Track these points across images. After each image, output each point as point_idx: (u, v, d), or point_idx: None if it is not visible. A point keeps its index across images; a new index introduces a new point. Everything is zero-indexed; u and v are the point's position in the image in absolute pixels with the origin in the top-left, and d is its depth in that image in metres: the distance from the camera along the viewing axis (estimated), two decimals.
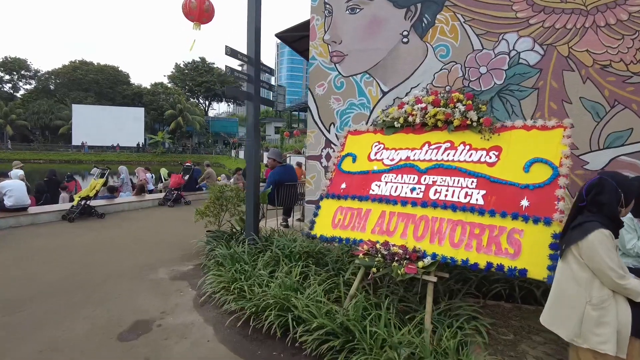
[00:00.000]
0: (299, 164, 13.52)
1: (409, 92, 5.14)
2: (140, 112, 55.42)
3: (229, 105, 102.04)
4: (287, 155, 20.00)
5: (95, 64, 59.67)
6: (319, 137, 5.51)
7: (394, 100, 5.20)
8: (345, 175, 4.24)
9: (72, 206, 7.88)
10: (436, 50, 5.05)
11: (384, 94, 5.27)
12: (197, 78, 67.83)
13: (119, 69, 61.98)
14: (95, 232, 6.93)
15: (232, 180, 13.98)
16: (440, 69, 5.05)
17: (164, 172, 13.75)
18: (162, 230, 7.23)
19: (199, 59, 70.59)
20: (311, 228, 4.14)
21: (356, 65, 5.36)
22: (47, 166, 40.57)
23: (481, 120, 3.66)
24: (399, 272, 3.22)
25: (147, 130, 58.15)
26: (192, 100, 67.00)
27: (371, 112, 5.28)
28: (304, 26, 5.87)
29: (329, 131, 5.49)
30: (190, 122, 57.66)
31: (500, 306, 3.82)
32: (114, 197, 9.64)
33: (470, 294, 3.79)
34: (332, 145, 5.44)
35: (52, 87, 58.27)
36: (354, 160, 4.30)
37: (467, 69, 4.95)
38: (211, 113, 76.05)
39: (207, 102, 73.30)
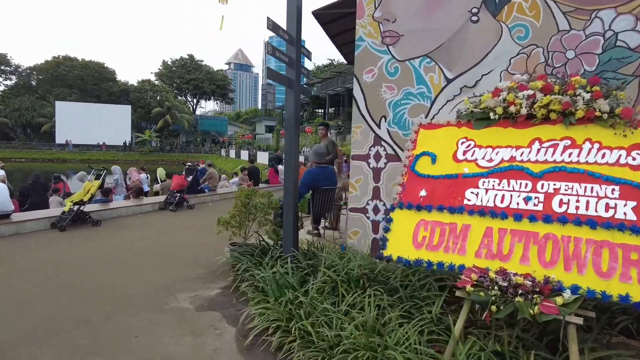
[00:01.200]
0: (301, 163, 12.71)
1: (479, 80, 4.31)
2: (126, 109, 53.73)
3: (217, 103, 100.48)
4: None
5: (80, 59, 57.70)
6: (366, 132, 4.65)
7: (460, 89, 4.36)
8: (424, 180, 3.38)
9: (64, 212, 6.85)
10: (513, 31, 4.23)
11: (449, 81, 4.42)
12: (185, 75, 66.31)
13: (105, 65, 60.11)
14: (93, 242, 5.93)
15: (236, 180, 13.01)
16: (518, 54, 4.22)
17: (161, 172, 12.69)
18: (170, 240, 6.27)
19: (187, 56, 69.05)
20: (383, 247, 3.27)
21: (414, 47, 4.51)
22: (29, 165, 38.81)
23: (617, 111, 2.83)
24: (530, 311, 2.38)
25: (134, 128, 56.46)
26: (180, 98, 65.40)
27: (432, 103, 4.43)
28: (348, 1, 5.00)
29: (378, 126, 4.63)
30: (178, 121, 56.18)
31: (629, 344, 3.00)
32: (108, 200, 8.61)
33: (607, 331, 2.94)
34: (383, 143, 4.58)
35: (34, 83, 56.11)
36: (434, 160, 3.44)
37: (550, 53, 4.14)
38: (199, 111, 74.48)
39: (195, 100, 71.78)
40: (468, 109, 3.45)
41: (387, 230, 3.33)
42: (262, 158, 37.83)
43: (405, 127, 4.54)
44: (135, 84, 60.59)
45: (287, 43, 4.25)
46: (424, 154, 3.53)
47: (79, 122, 48.90)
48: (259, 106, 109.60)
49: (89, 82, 56.35)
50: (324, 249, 4.50)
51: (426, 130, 3.68)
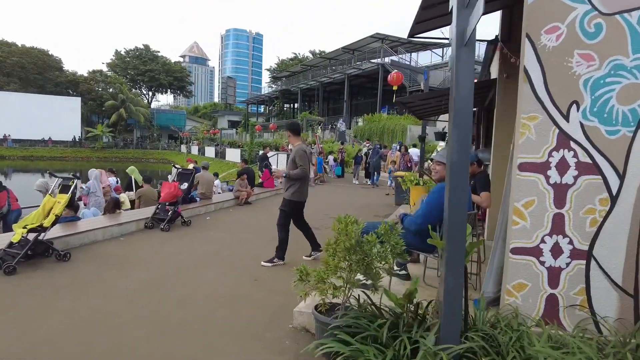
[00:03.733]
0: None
1: None
2: (76, 102, 48.99)
3: (174, 97, 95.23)
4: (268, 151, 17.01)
5: (20, 45, 51.86)
6: (544, 127, 2.88)
7: None
8: None
9: (11, 244, 4.56)
10: None
11: None
12: (140, 67, 61.81)
13: (49, 52, 54.50)
14: (62, 300, 3.73)
15: (231, 186, 10.83)
16: None
17: (135, 174, 10.20)
18: (182, 291, 4.12)
19: (142, 46, 64.35)
20: None
21: None
22: None
23: None
24: None
25: (84, 122, 51.67)
26: (134, 90, 60.80)
27: None
28: None
29: (566, 117, 2.88)
30: (133, 114, 52.01)
31: None
32: (76, 218, 6.29)
33: None
34: (573, 145, 2.84)
35: None
36: None
37: None
38: (154, 105, 69.88)
39: (150, 93, 67.18)
40: None
41: None
42: (232, 155, 35.28)
43: (612, 121, 2.82)
44: (86, 75, 55.47)
45: None
46: None
47: (20, 115, 43.80)
48: (215, 100, 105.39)
49: (31, 70, 50.77)
50: (499, 324, 2.65)
51: None
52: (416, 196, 6.45)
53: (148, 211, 7.16)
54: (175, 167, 8.21)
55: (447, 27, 6.35)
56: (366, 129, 27.09)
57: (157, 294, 3.92)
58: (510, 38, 5.59)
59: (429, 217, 3.19)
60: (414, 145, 19.51)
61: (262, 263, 4.90)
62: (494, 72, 6.84)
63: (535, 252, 2.95)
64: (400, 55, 32.45)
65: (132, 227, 6.48)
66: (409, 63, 31.96)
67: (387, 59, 31.60)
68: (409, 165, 13.21)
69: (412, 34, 5.74)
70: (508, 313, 2.91)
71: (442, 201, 3.23)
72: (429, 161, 12.84)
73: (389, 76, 14.82)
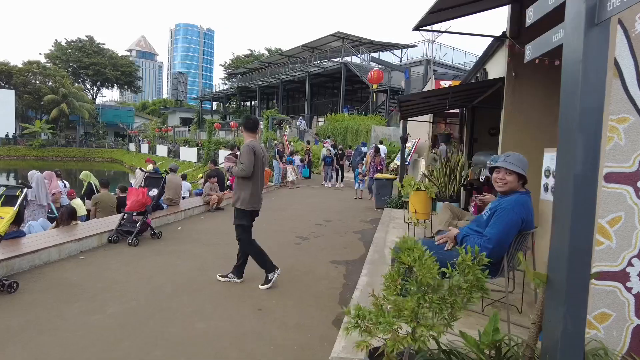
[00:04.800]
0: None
1: None
2: (9, 95, 44.74)
3: (122, 93, 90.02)
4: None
5: None
6: (636, 130, 2.43)
7: None
8: None
9: None
10: None
11: None
12: (84, 59, 57.68)
13: None
14: (10, 358, 2.84)
15: (198, 189, 9.87)
16: None
17: (91, 178, 8.96)
18: (175, 325, 3.36)
19: (85, 38, 60.06)
20: None
21: None
22: None
23: None
24: None
25: (19, 117, 47.33)
26: (77, 84, 56.57)
27: None
28: None
29: None
30: (77, 110, 48.31)
31: None
32: (20, 234, 5.21)
33: None
34: None
35: None
36: None
37: None
38: (99, 100, 65.56)
39: (95, 88, 62.91)
40: None
41: None
42: (187, 155, 33.54)
43: None
44: (20, 66, 50.77)
45: None
46: None
47: None
48: (164, 97, 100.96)
49: None
50: None
51: None
52: (418, 203, 5.98)
53: (111, 222, 6.16)
54: (142, 171, 7.20)
55: (446, 23, 5.88)
56: (329, 129, 26.63)
57: (141, 336, 3.10)
58: (519, 34, 5.26)
59: (505, 241, 2.65)
60: (381, 142, 19.23)
61: (260, 286, 4.18)
62: (493, 72, 6.52)
63: (621, 276, 2.51)
64: (361, 55, 32.31)
65: (93, 242, 5.48)
66: (368, 63, 31.87)
67: (348, 58, 31.36)
68: (380, 168, 12.49)
69: (419, 25, 5.25)
70: (591, 349, 2.44)
71: (521, 218, 2.70)
72: (424, 172, 12.42)
73: (369, 74, 14.30)
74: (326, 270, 4.90)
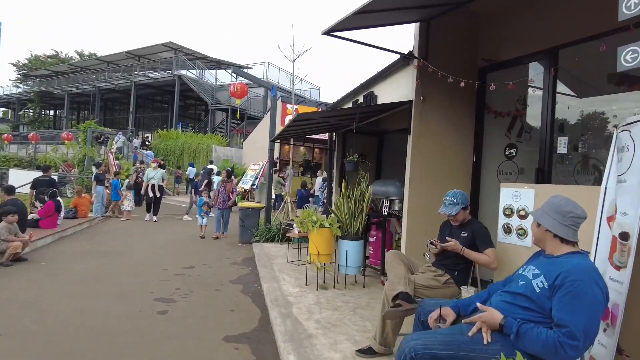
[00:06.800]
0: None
1: None
2: None
3: None
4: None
5: None
6: None
7: None
8: None
9: None
10: None
11: None
12: None
13: None
14: None
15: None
16: None
17: None
18: None
19: None
20: None
21: None
22: None
23: None
24: None
25: None
26: None
27: None
28: None
29: None
30: None
31: None
32: None
33: None
34: None
35: None
36: None
37: None
38: None
39: None
40: None
41: None
42: None
43: None
44: None
45: None
46: None
47: None
48: None
49: None
50: None
51: None
52: (321, 243, 4.93)
53: None
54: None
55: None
56: (161, 146, 23.57)
57: None
58: (427, 55, 4.86)
59: (594, 330, 1.73)
60: (211, 162, 17.53)
61: None
62: (386, 95, 6.06)
63: None
64: (197, 70, 30.17)
65: None
66: (200, 78, 29.90)
67: (183, 71, 28.84)
68: (230, 196, 9.93)
69: (329, 30, 4.33)
70: None
71: (604, 294, 1.82)
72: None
73: (232, 87, 12.48)
74: None
